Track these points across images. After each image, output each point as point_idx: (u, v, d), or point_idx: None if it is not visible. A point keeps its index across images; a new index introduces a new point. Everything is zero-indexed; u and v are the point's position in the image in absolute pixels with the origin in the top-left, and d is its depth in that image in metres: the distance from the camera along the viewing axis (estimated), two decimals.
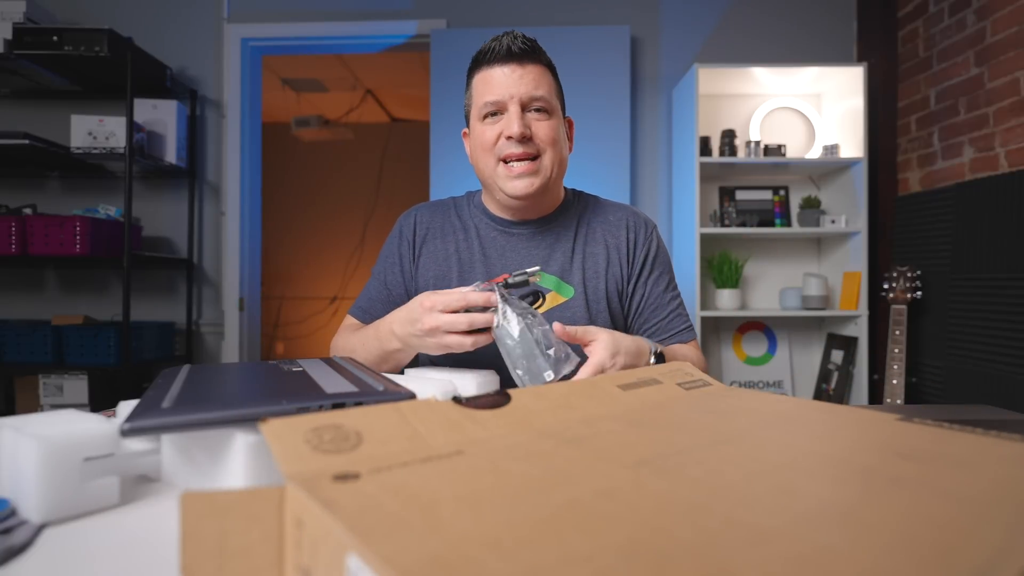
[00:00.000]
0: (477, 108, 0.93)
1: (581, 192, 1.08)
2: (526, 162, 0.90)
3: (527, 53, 0.90)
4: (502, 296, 0.73)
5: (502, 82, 0.90)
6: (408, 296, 1.02)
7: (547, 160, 0.92)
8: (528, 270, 0.79)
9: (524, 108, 0.90)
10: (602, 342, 0.74)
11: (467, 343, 0.74)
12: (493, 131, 0.91)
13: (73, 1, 2.58)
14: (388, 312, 1.01)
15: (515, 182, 0.91)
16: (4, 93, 2.58)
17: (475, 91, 0.94)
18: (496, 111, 0.91)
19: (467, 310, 0.75)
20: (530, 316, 0.73)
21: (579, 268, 0.98)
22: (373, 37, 2.66)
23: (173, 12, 2.61)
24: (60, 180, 2.61)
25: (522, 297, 0.78)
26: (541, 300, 0.78)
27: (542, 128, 0.91)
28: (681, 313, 1.02)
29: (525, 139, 0.89)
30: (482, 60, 0.92)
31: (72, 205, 2.53)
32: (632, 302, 1.01)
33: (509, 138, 0.89)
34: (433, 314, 0.74)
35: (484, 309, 0.74)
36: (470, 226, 1.02)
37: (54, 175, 2.60)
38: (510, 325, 0.72)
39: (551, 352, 0.71)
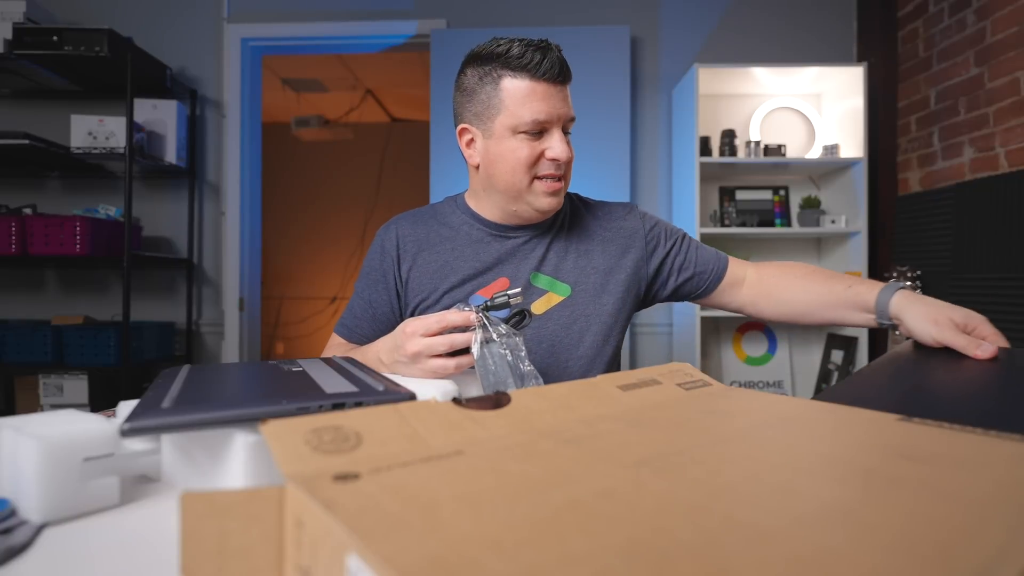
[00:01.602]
0: (515, 119, 0.87)
1: (568, 193, 1.08)
2: (558, 180, 0.92)
3: (567, 73, 0.90)
4: (481, 320, 0.72)
5: (552, 103, 0.88)
6: (394, 313, 1.01)
7: (568, 178, 0.95)
8: (509, 292, 0.77)
9: (562, 130, 0.91)
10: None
11: (450, 366, 0.73)
12: (533, 149, 0.89)
13: (73, 1, 2.58)
14: (374, 329, 1.01)
15: (549, 199, 0.92)
16: (4, 93, 2.58)
17: (512, 99, 0.88)
18: (540, 130, 0.89)
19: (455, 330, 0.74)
20: (507, 339, 0.71)
21: (574, 267, 0.98)
22: (373, 37, 2.66)
23: (173, 12, 2.62)
24: (60, 180, 2.61)
25: (508, 318, 0.76)
26: (528, 319, 0.77)
27: (571, 150, 0.93)
28: (709, 251, 1.05)
29: (564, 162, 0.91)
30: (522, 68, 0.87)
31: (72, 205, 2.53)
32: (668, 277, 1.03)
33: (553, 160, 0.89)
34: (415, 339, 0.74)
35: (466, 329, 0.73)
36: (460, 233, 1.00)
37: (54, 175, 2.60)
38: (484, 350, 0.71)
39: (524, 380, 0.70)
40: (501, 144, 0.90)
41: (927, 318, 0.74)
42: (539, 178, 0.91)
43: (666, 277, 1.03)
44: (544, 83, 0.87)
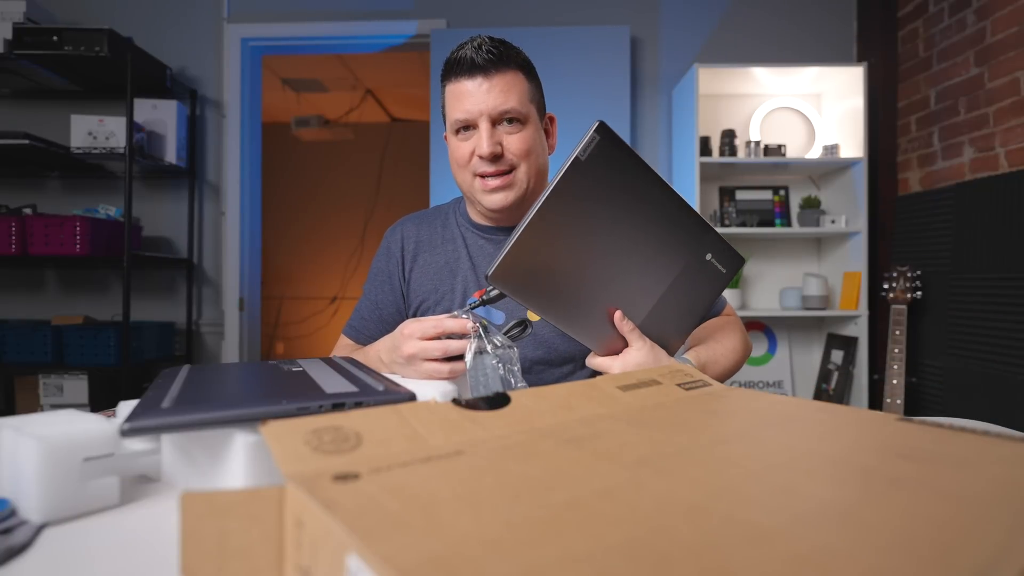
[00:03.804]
0: (449, 121, 0.91)
1: None
2: (500, 177, 0.90)
3: (493, 62, 0.87)
4: (477, 329, 0.72)
5: (470, 98, 0.87)
6: (400, 314, 1.02)
7: (522, 172, 0.91)
8: None
9: (495, 122, 0.88)
10: (633, 354, 0.71)
11: (444, 370, 0.73)
12: (466, 147, 0.90)
13: (73, 1, 2.58)
14: (380, 330, 1.02)
15: (491, 196, 0.91)
16: (4, 93, 2.58)
17: (446, 103, 0.92)
18: (467, 126, 0.89)
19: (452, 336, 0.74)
20: (501, 351, 0.71)
21: None
22: (373, 37, 2.66)
23: (173, 12, 2.62)
24: (60, 180, 2.61)
25: (508, 329, 0.76)
26: (528, 329, 0.77)
27: (514, 142, 0.89)
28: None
29: (497, 157, 0.88)
30: (450, 71, 0.89)
31: (72, 205, 2.53)
32: None
33: (481, 157, 0.88)
34: (411, 341, 0.74)
35: (464, 336, 0.73)
36: (456, 236, 1.01)
37: (54, 175, 2.60)
38: (477, 360, 0.71)
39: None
40: (450, 147, 0.94)
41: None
42: (480, 176, 0.91)
43: None
44: (463, 80, 0.88)
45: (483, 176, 0.90)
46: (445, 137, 0.99)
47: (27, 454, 0.39)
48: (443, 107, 0.94)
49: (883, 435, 0.35)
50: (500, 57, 0.87)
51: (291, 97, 4.26)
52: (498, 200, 0.91)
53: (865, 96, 2.25)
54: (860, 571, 0.19)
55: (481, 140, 0.87)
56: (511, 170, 0.90)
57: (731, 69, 2.30)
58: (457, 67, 0.88)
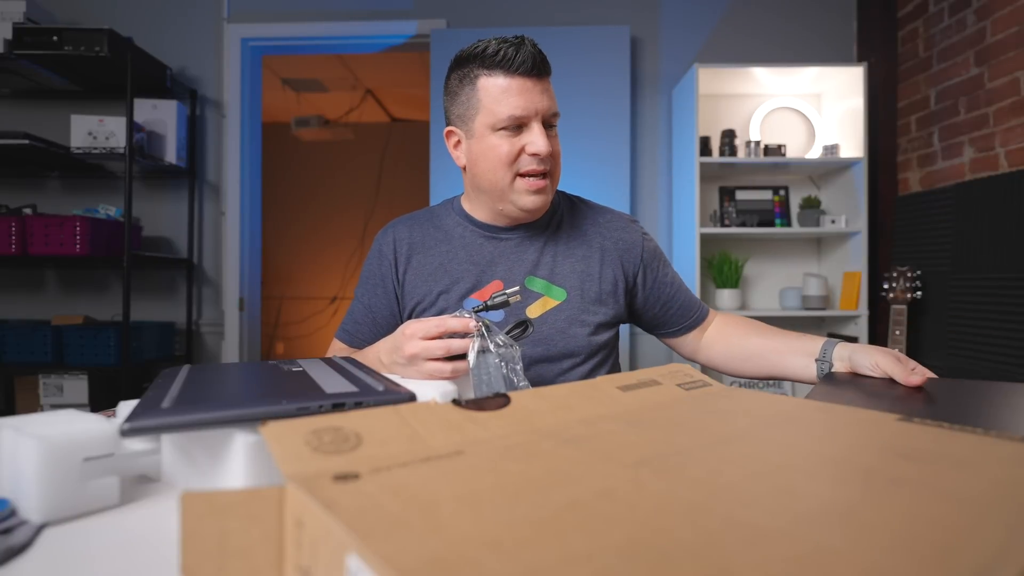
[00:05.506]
0: (492, 117, 0.88)
1: (566, 194, 1.07)
2: (543, 178, 0.90)
3: (544, 65, 0.89)
4: (479, 328, 0.72)
5: (529, 97, 0.87)
6: (394, 317, 1.02)
7: (555, 176, 0.93)
8: (507, 291, 0.77)
9: (544, 124, 0.89)
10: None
11: (446, 370, 0.73)
12: (513, 145, 0.88)
13: (73, 1, 2.58)
14: (374, 334, 1.01)
15: (532, 197, 0.90)
16: (4, 93, 2.58)
17: (488, 97, 0.88)
18: (519, 124, 0.88)
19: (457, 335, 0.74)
20: (504, 350, 0.71)
21: (571, 271, 0.97)
22: (373, 37, 2.66)
23: (173, 12, 2.62)
24: (60, 180, 2.61)
25: (510, 329, 0.76)
26: (530, 329, 0.78)
27: (555, 144, 0.91)
28: (694, 298, 1.07)
29: (547, 157, 0.89)
30: (496, 65, 0.87)
31: (72, 205, 2.53)
32: (648, 301, 1.03)
33: (533, 155, 0.88)
34: (413, 341, 0.74)
35: (465, 335, 0.73)
36: (454, 235, 0.99)
37: (54, 175, 2.60)
38: (480, 359, 0.71)
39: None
40: (482, 143, 0.90)
41: (870, 351, 0.83)
42: (521, 175, 0.90)
43: (642, 303, 1.03)
44: (519, 78, 0.87)
45: (529, 176, 0.89)
46: (449, 132, 0.96)
47: (27, 454, 0.39)
48: (471, 102, 0.90)
49: (883, 435, 0.35)
50: (546, 61, 0.90)
51: (291, 97, 4.26)
52: (538, 201, 0.91)
53: (865, 96, 2.25)
54: (860, 571, 0.19)
55: (538, 138, 0.87)
56: (549, 172, 0.91)
57: (731, 69, 2.30)
58: (515, 64, 0.86)
